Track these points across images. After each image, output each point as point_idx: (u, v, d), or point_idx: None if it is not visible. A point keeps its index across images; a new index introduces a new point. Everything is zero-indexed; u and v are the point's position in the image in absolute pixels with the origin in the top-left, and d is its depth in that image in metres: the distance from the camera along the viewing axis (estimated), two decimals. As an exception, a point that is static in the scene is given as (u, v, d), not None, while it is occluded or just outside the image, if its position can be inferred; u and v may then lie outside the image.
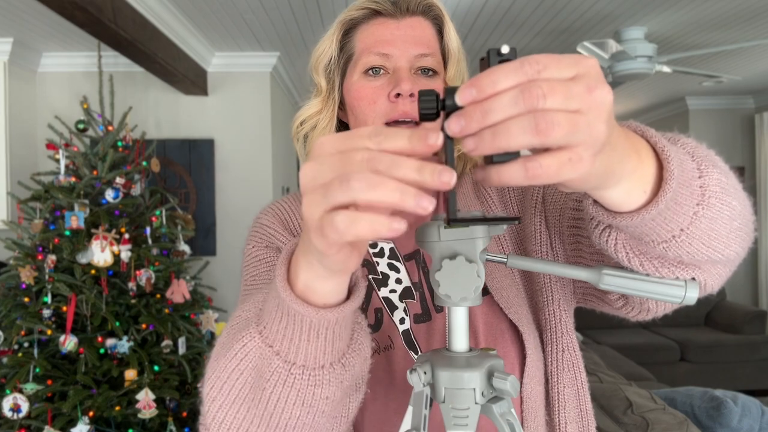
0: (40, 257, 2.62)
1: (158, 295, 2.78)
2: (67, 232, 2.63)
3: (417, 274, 0.81)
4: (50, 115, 3.37)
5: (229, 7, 2.98)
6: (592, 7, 3.04)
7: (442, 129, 0.41)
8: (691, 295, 0.55)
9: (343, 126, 0.88)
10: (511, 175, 0.39)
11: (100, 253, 2.59)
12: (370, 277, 0.81)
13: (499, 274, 0.80)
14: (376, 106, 0.78)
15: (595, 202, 0.52)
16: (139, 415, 2.52)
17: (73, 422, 2.44)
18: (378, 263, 0.82)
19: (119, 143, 2.87)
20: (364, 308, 0.78)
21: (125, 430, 2.59)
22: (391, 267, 0.81)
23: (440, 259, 0.53)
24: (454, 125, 0.39)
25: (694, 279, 0.56)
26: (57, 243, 2.63)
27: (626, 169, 0.46)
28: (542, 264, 0.58)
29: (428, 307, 0.79)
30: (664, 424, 1.76)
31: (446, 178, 0.37)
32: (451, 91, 0.40)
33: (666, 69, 3.32)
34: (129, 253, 2.67)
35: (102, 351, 2.58)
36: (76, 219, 2.61)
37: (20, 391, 2.42)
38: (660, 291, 0.55)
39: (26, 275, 2.56)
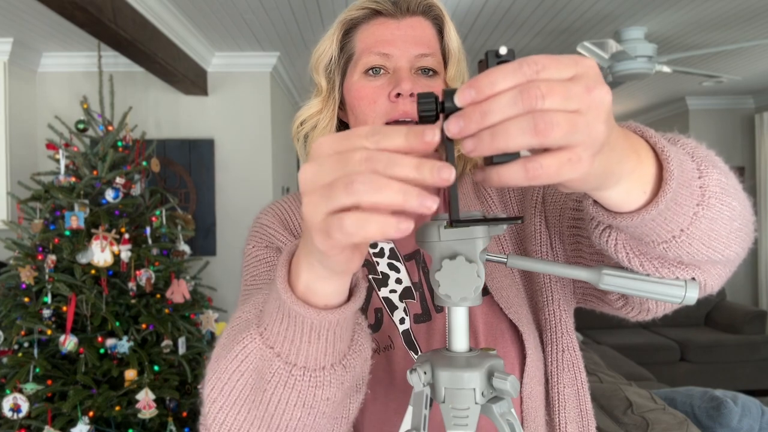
0: (40, 257, 2.62)
1: (158, 295, 2.78)
2: (67, 232, 2.63)
3: (417, 274, 0.81)
4: (50, 115, 3.37)
5: (229, 7, 2.98)
6: (592, 7, 3.04)
7: (442, 131, 0.41)
8: (691, 295, 0.55)
9: (343, 126, 0.88)
10: (511, 175, 0.39)
11: (100, 253, 2.59)
12: (370, 277, 0.81)
13: (499, 274, 0.80)
14: (377, 105, 0.78)
15: (595, 202, 0.52)
16: (139, 415, 2.52)
17: (73, 422, 2.45)
18: (378, 263, 0.82)
19: (119, 143, 2.87)
20: (364, 308, 0.79)
21: (125, 430, 2.59)
22: (391, 267, 0.81)
23: (440, 259, 0.53)
24: (453, 126, 0.39)
25: (694, 279, 0.56)
26: (57, 243, 2.63)
27: (625, 169, 0.46)
28: (542, 264, 0.58)
29: (428, 307, 0.79)
30: (664, 424, 1.76)
31: (445, 174, 0.37)
32: (449, 92, 0.40)
33: (666, 69, 3.32)
34: (129, 253, 2.67)
35: (102, 351, 2.58)
36: (76, 219, 2.61)
37: (20, 391, 2.42)
38: (660, 291, 0.55)
39: (26, 275, 2.57)
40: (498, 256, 0.57)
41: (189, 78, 3.44)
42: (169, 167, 3.81)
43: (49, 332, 2.50)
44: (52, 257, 2.59)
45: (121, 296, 2.69)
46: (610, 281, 0.56)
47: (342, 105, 0.86)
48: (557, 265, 0.58)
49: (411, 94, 0.75)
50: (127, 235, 2.69)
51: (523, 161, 0.39)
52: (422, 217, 0.85)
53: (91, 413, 2.45)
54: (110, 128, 2.90)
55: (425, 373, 0.54)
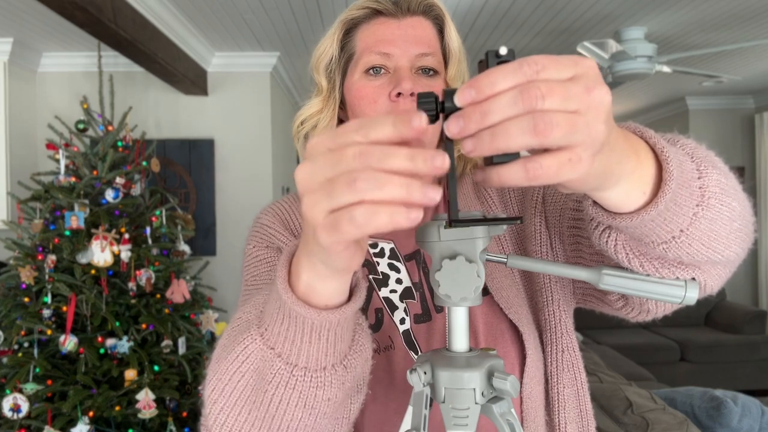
0: (40, 257, 2.62)
1: (158, 295, 2.78)
2: (67, 232, 2.63)
3: (417, 274, 0.81)
4: (50, 115, 3.37)
5: (229, 7, 2.98)
6: (592, 7, 3.04)
7: (442, 131, 0.41)
8: (691, 296, 0.55)
9: (343, 125, 0.88)
10: (511, 175, 0.39)
11: (100, 253, 2.59)
12: (371, 277, 0.81)
13: (499, 274, 0.80)
14: (377, 105, 0.78)
15: (595, 203, 0.52)
16: (139, 415, 2.52)
17: (73, 422, 2.45)
18: (378, 263, 0.82)
19: (119, 143, 2.87)
20: (364, 308, 0.79)
21: (125, 430, 2.59)
22: (392, 267, 0.81)
23: (440, 259, 0.53)
24: (453, 126, 0.39)
25: (694, 279, 0.56)
26: (57, 243, 2.63)
27: (625, 169, 0.46)
28: (542, 264, 0.58)
29: (428, 308, 0.79)
30: (664, 424, 1.76)
31: (438, 162, 0.37)
32: (449, 93, 0.40)
33: (666, 69, 3.32)
34: (129, 253, 2.67)
35: (102, 351, 2.58)
36: (76, 219, 2.61)
37: (20, 391, 2.42)
38: (660, 291, 0.55)
39: (26, 275, 2.57)
40: (498, 256, 0.57)
41: (189, 78, 3.44)
42: (169, 167, 3.81)
43: (49, 332, 2.50)
44: (52, 257, 2.59)
45: (121, 296, 2.69)
46: (610, 281, 0.56)
47: (342, 104, 0.86)
48: (557, 265, 0.58)
49: (411, 94, 0.75)
50: (127, 235, 2.69)
51: (523, 161, 0.39)
52: (422, 216, 0.85)
53: (91, 413, 2.45)
54: (110, 128, 2.90)
55: (425, 373, 0.54)
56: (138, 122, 3.56)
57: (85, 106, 2.91)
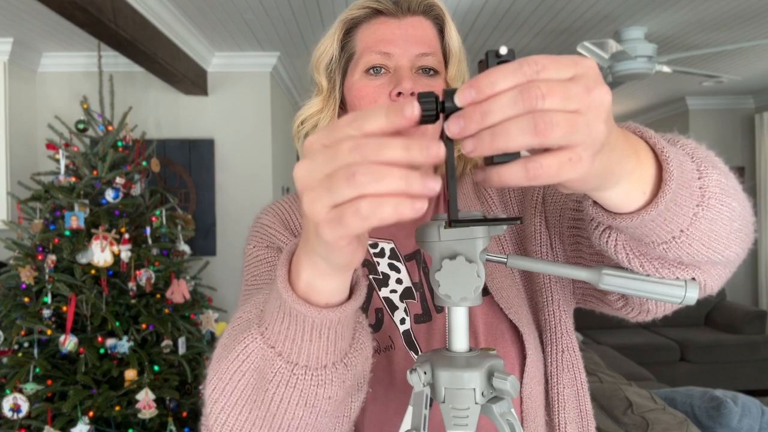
0: (40, 257, 2.62)
1: (158, 295, 2.78)
2: (67, 232, 2.63)
3: (417, 275, 0.81)
4: (50, 115, 3.37)
5: (229, 7, 2.98)
6: (592, 7, 3.04)
7: (442, 131, 0.41)
8: (691, 295, 0.55)
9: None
10: (511, 175, 0.39)
11: (100, 253, 2.59)
12: (371, 277, 0.81)
13: (500, 274, 0.80)
14: (377, 105, 0.78)
15: (595, 203, 0.52)
16: (139, 415, 2.52)
17: (73, 422, 2.45)
18: (378, 263, 0.82)
19: (119, 143, 2.87)
20: (364, 308, 0.79)
21: (125, 430, 2.59)
22: (392, 267, 0.81)
23: (440, 259, 0.53)
24: (454, 126, 0.39)
25: (694, 279, 0.56)
26: (57, 243, 2.63)
27: (625, 169, 0.46)
28: (542, 264, 0.58)
29: (429, 308, 0.79)
30: (664, 424, 1.76)
31: (434, 150, 0.37)
32: (450, 92, 0.40)
33: (666, 69, 3.32)
34: (129, 253, 2.67)
35: (102, 351, 2.58)
36: (76, 219, 2.61)
37: (20, 391, 2.42)
38: (660, 291, 0.55)
39: (26, 275, 2.57)
40: (498, 256, 0.57)
41: (189, 78, 3.44)
42: (169, 167, 3.81)
43: (49, 332, 2.50)
44: (52, 257, 2.59)
45: (121, 296, 2.69)
46: (610, 281, 0.56)
47: (343, 104, 0.86)
48: (557, 265, 0.58)
49: (412, 93, 0.75)
50: (127, 235, 2.69)
51: (523, 161, 0.39)
52: (422, 216, 0.85)
53: (91, 413, 2.45)
54: (110, 128, 2.90)
55: (425, 373, 0.54)
56: (138, 122, 3.56)
57: (85, 106, 2.91)
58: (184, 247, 3.05)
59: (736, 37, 3.58)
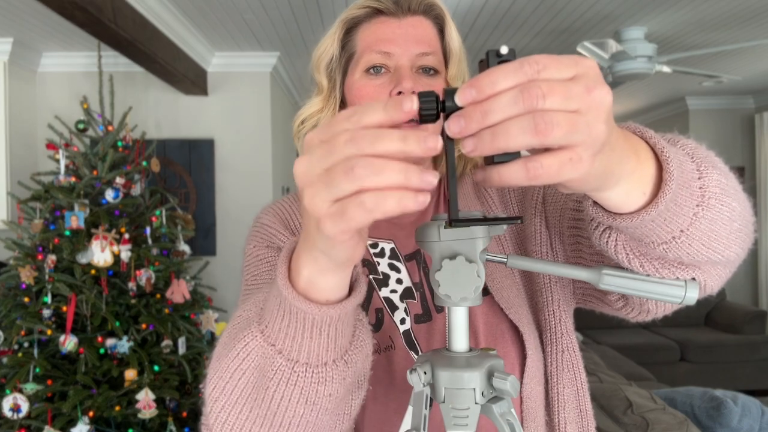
0: (40, 257, 2.62)
1: (158, 295, 2.78)
2: (67, 232, 2.63)
3: (418, 274, 0.81)
4: (50, 115, 3.37)
5: (229, 7, 2.98)
6: (592, 7, 3.04)
7: (443, 130, 0.41)
8: (691, 295, 0.55)
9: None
10: (511, 175, 0.39)
11: (100, 253, 2.59)
12: (371, 277, 0.81)
13: (500, 274, 0.80)
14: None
15: (595, 203, 0.52)
16: (139, 415, 2.52)
17: (73, 422, 2.45)
18: (379, 263, 0.82)
19: (119, 143, 2.87)
20: (364, 308, 0.79)
21: (125, 430, 2.59)
22: (392, 267, 0.81)
23: (440, 259, 0.53)
24: (454, 126, 0.39)
25: (694, 279, 0.56)
26: (57, 243, 2.63)
27: (625, 169, 0.46)
28: (542, 264, 0.58)
29: (429, 308, 0.79)
30: (664, 424, 1.76)
31: (431, 143, 0.37)
32: (450, 92, 0.40)
33: (666, 69, 3.32)
34: (129, 253, 2.67)
35: (102, 351, 2.58)
36: (76, 219, 2.61)
37: (20, 391, 2.42)
38: (660, 291, 0.55)
39: (26, 275, 2.57)
40: (498, 256, 0.57)
41: (189, 78, 3.44)
42: (169, 167, 3.81)
43: (49, 332, 2.50)
44: (52, 257, 2.59)
45: (121, 296, 2.69)
46: (610, 281, 0.56)
47: (343, 104, 0.86)
48: (557, 265, 0.58)
49: (412, 93, 0.75)
50: (127, 235, 2.69)
51: (523, 161, 0.39)
52: (423, 216, 0.85)
53: (91, 413, 2.45)
54: (110, 128, 2.90)
55: (425, 373, 0.54)
56: (138, 122, 3.56)
57: (85, 106, 2.91)
58: (184, 247, 3.05)
59: (736, 37, 3.58)
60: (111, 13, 2.41)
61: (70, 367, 2.57)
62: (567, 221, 0.73)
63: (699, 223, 0.51)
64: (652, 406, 1.90)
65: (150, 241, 2.83)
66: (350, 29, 0.84)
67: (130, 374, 2.54)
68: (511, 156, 0.39)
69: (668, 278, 0.55)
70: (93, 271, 2.61)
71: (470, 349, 0.57)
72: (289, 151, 4.70)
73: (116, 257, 2.64)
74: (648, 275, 0.55)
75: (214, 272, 3.67)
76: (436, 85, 0.80)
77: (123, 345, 2.58)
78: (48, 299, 2.56)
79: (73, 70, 3.73)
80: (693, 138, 0.56)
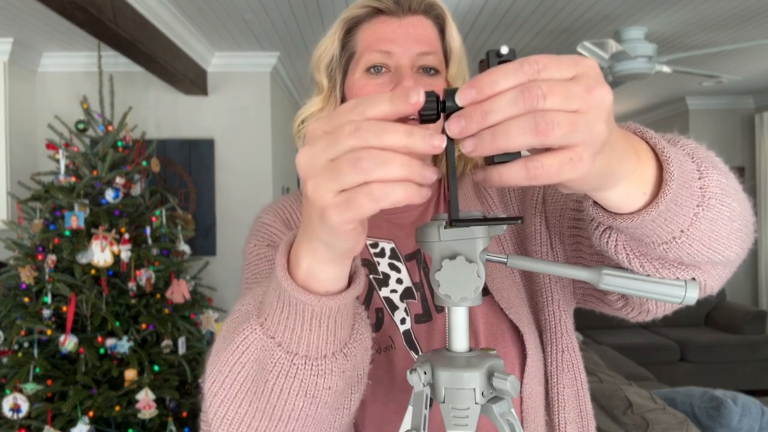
0: (40, 257, 2.62)
1: (158, 295, 2.78)
2: (67, 232, 2.63)
3: (418, 274, 0.81)
4: (50, 115, 3.37)
5: (229, 7, 2.98)
6: (592, 7, 3.04)
7: (443, 131, 0.41)
8: (691, 295, 0.55)
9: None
10: (512, 175, 0.39)
11: (100, 253, 2.59)
12: (371, 277, 0.81)
13: (500, 274, 0.80)
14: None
15: (595, 203, 0.52)
16: (139, 415, 2.52)
17: (73, 422, 2.45)
18: (379, 263, 0.82)
19: (119, 143, 2.87)
20: (364, 308, 0.78)
21: (125, 430, 2.59)
22: (392, 267, 0.81)
23: (440, 259, 0.53)
24: (454, 126, 0.39)
25: (694, 279, 0.56)
26: (57, 243, 2.63)
27: (625, 170, 0.46)
28: (542, 264, 0.58)
29: (429, 308, 0.79)
30: (664, 424, 1.76)
31: (437, 141, 0.38)
32: (450, 92, 0.40)
33: (666, 69, 3.32)
34: (129, 253, 2.67)
35: (102, 351, 2.58)
36: (76, 219, 2.61)
37: (20, 391, 2.42)
38: (660, 291, 0.55)
39: (26, 275, 2.57)
40: (498, 256, 0.57)
41: (189, 78, 3.44)
42: (169, 167, 3.81)
43: (49, 332, 2.50)
44: (52, 257, 2.59)
45: (121, 296, 2.69)
46: (610, 281, 0.56)
47: (343, 103, 0.86)
48: (557, 265, 0.58)
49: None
50: (127, 235, 2.69)
51: (524, 161, 0.39)
52: (423, 216, 0.85)
53: (91, 413, 2.45)
54: (110, 128, 2.90)
55: (425, 373, 0.54)
56: (138, 122, 3.56)
57: (85, 106, 2.91)
58: (184, 247, 3.05)
59: (736, 37, 3.58)
60: (111, 13, 2.41)
61: (70, 367, 2.57)
62: (567, 221, 0.73)
63: (699, 223, 0.51)
64: (652, 406, 1.90)
65: (150, 241, 2.83)
66: (351, 29, 0.84)
67: (130, 374, 2.54)
68: (512, 156, 0.39)
69: (668, 278, 0.55)
70: (93, 271, 2.61)
71: (470, 349, 0.57)
72: (289, 151, 4.70)
73: (116, 257, 2.64)
74: (648, 275, 0.55)
75: (214, 272, 3.68)
76: (437, 85, 0.80)
77: (123, 345, 2.58)
78: (48, 299, 2.56)
79: (73, 70, 3.73)
80: (693, 138, 0.56)
